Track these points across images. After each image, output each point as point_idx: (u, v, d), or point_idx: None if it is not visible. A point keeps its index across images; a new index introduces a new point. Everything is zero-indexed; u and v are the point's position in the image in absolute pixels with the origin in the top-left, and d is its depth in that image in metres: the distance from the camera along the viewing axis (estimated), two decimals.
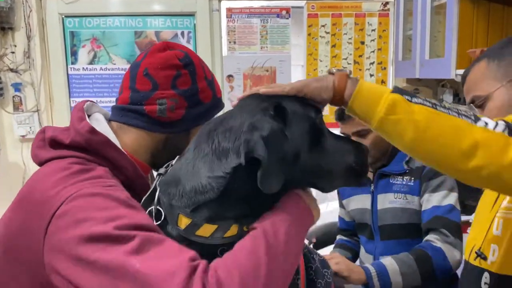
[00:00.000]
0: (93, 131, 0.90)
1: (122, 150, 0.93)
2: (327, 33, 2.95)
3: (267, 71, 2.97)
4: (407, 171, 1.68)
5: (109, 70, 2.95)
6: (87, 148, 0.90)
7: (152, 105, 0.97)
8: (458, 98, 2.58)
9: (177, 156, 0.90)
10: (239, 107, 0.83)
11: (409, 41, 2.63)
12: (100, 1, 2.89)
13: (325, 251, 2.01)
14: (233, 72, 2.96)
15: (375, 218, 1.73)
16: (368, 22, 2.94)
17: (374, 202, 1.74)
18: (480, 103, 1.10)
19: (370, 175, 1.75)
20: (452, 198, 1.60)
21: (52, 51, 2.88)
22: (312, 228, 2.30)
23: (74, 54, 2.94)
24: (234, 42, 2.95)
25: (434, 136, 0.82)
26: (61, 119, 2.91)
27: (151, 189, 0.88)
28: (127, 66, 2.86)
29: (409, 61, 2.57)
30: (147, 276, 0.67)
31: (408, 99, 0.84)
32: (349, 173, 0.87)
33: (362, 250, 1.85)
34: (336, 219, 2.05)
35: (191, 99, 0.99)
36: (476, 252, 1.14)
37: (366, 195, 1.77)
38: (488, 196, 1.20)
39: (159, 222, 0.82)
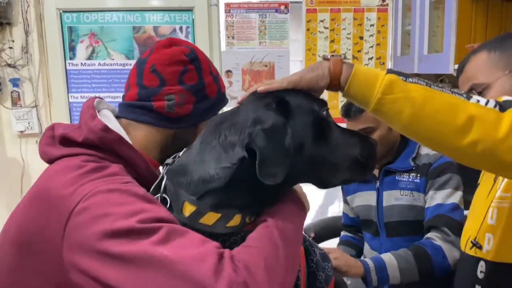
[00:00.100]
0: (106, 129, 0.90)
1: (134, 147, 0.94)
2: (326, 28, 2.94)
3: (265, 66, 2.96)
4: (414, 168, 1.68)
5: (107, 65, 2.94)
6: (100, 146, 0.89)
7: (161, 101, 0.97)
8: None
9: (184, 148, 0.93)
10: (244, 104, 0.87)
11: (407, 36, 2.63)
12: None
13: (323, 246, 2.01)
14: (232, 68, 2.95)
15: (381, 215, 1.73)
16: (366, 17, 2.94)
17: (379, 199, 1.74)
18: (480, 91, 1.10)
19: (375, 172, 1.75)
20: (456, 197, 1.60)
21: (50, 46, 2.87)
22: (311, 223, 2.32)
23: (72, 49, 2.93)
24: (233, 37, 2.94)
25: (431, 112, 0.83)
26: (59, 114, 2.90)
27: (159, 178, 0.89)
28: (126, 62, 2.93)
29: (407, 56, 2.57)
30: (177, 263, 0.68)
31: (403, 79, 0.85)
32: (354, 165, 0.88)
33: (367, 247, 1.85)
34: (333, 214, 2.05)
35: (198, 94, 1.00)
36: (471, 242, 1.15)
37: (371, 191, 1.77)
38: (483, 187, 1.22)
39: None
